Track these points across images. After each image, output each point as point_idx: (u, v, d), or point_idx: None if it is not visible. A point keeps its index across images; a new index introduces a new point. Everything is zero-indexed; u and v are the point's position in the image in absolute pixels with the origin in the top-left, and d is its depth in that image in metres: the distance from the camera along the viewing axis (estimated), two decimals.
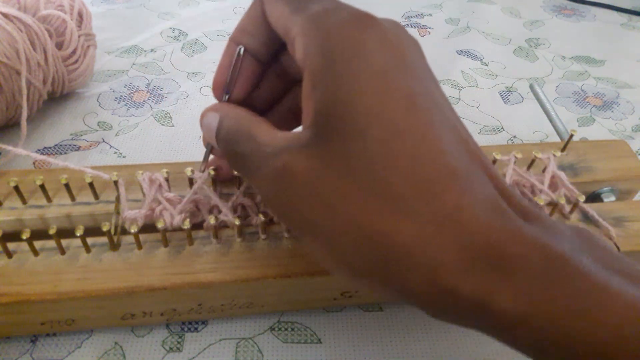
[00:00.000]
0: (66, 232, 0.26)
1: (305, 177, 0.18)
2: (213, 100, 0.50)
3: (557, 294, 0.16)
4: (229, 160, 0.23)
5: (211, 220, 0.26)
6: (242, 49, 0.23)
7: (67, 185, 0.27)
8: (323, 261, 0.19)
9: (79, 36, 0.42)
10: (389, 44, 0.19)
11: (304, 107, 0.19)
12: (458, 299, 0.16)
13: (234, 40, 0.24)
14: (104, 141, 0.41)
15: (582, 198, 0.28)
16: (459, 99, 0.49)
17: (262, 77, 0.25)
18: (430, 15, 0.64)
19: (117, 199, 0.28)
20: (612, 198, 0.32)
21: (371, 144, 0.17)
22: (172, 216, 0.26)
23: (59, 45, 0.41)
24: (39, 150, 0.40)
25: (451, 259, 0.16)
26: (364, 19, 0.19)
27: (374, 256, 0.17)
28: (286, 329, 0.29)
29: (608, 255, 0.18)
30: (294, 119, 0.27)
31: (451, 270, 0.16)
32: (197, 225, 0.26)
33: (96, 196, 0.28)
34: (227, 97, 0.25)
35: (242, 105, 0.24)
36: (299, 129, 0.20)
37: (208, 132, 0.24)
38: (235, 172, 0.27)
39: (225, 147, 0.22)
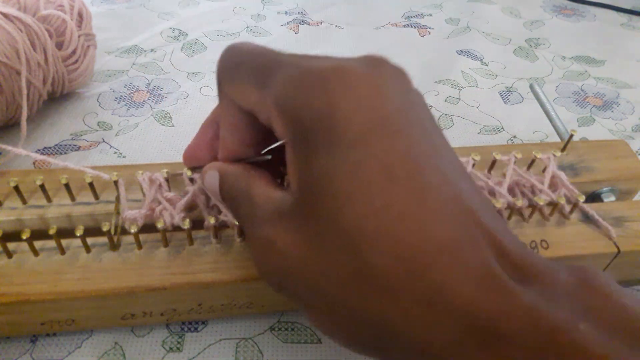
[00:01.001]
0: (66, 232, 0.26)
1: (288, 252, 0.18)
2: (213, 100, 0.50)
3: None
4: (234, 217, 0.24)
5: (211, 220, 0.26)
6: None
7: (67, 185, 0.27)
8: (319, 329, 0.19)
9: (79, 36, 0.42)
10: (366, 98, 0.17)
11: (288, 170, 0.19)
12: None
13: (206, 124, 0.25)
14: (104, 141, 0.41)
15: (582, 198, 0.28)
16: (459, 99, 0.49)
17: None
18: (430, 15, 0.64)
19: (117, 199, 0.28)
20: (612, 198, 0.32)
21: (348, 225, 0.16)
22: (172, 216, 0.26)
23: (59, 45, 0.41)
24: (39, 150, 0.39)
25: (440, 339, 0.16)
26: (331, 77, 0.17)
27: (365, 333, 0.17)
28: (286, 329, 0.29)
29: (610, 309, 0.16)
30: None
31: (440, 351, 0.16)
32: (197, 225, 0.26)
33: (96, 196, 0.28)
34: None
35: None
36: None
37: (212, 193, 0.24)
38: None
39: (229, 207, 0.23)
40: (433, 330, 0.16)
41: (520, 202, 0.28)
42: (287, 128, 0.18)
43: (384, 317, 0.16)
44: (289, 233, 0.18)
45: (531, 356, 0.15)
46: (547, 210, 0.29)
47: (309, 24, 0.60)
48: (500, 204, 0.27)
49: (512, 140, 0.44)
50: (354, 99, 0.17)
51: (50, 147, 0.40)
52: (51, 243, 0.26)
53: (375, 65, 0.18)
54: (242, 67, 0.20)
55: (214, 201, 0.26)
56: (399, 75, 0.18)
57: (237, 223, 0.25)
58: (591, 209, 0.29)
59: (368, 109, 0.17)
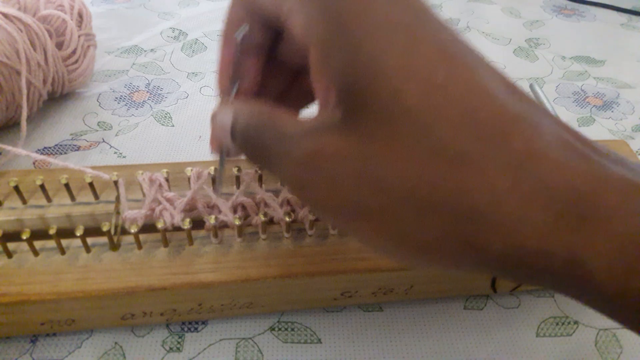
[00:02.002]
0: (66, 232, 0.26)
1: (346, 156, 0.16)
2: (213, 100, 0.49)
3: None
4: (249, 156, 0.21)
5: (211, 220, 0.26)
6: (242, 34, 0.21)
7: (67, 185, 0.27)
8: (379, 246, 0.17)
9: (79, 36, 0.42)
10: None
11: (316, 86, 0.18)
12: (548, 261, 0.14)
13: (226, 35, 0.22)
14: (104, 141, 0.41)
15: None
16: None
17: (264, 71, 0.23)
18: None
19: (117, 199, 0.28)
20: None
21: (413, 103, 0.15)
22: (172, 216, 0.26)
23: (59, 45, 0.41)
24: (39, 150, 0.39)
25: (535, 215, 0.14)
26: None
27: (443, 224, 0.15)
28: (286, 329, 0.29)
29: None
30: (305, 105, 0.25)
31: (537, 229, 0.14)
32: (197, 225, 0.26)
33: (96, 196, 0.28)
34: (234, 92, 0.23)
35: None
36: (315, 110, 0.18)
37: (221, 131, 0.21)
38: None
39: (244, 142, 0.20)
40: (525, 206, 0.14)
41: None
42: (313, 23, 0.17)
43: (467, 200, 0.14)
44: (342, 138, 0.16)
45: (633, 231, 0.13)
46: None
47: None
48: None
49: None
50: None
51: (50, 147, 0.40)
52: (51, 243, 0.26)
53: None
54: None
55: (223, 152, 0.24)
56: None
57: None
58: None
59: (405, 1, 0.16)
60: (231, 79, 0.22)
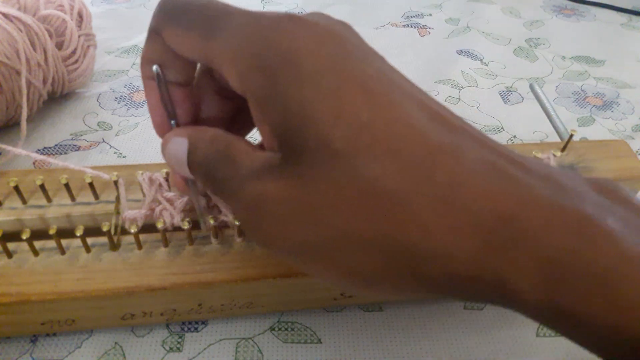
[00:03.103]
0: (66, 232, 0.26)
1: (286, 198, 0.17)
2: None
3: (574, 276, 0.14)
4: (207, 186, 0.21)
5: (211, 220, 0.26)
6: (158, 68, 0.20)
7: (67, 185, 0.27)
8: (327, 278, 0.18)
9: (79, 36, 0.42)
10: (323, 37, 0.17)
11: (260, 131, 0.18)
12: (478, 285, 0.15)
13: (148, 75, 0.21)
14: (104, 141, 0.41)
15: None
16: (459, 99, 0.49)
17: (202, 99, 0.23)
18: (430, 15, 0.64)
19: (117, 199, 0.28)
20: None
21: (341, 146, 0.16)
22: (172, 216, 0.26)
23: (59, 45, 0.41)
24: (39, 150, 0.39)
25: (463, 244, 0.15)
26: (286, 21, 0.17)
27: (382, 257, 0.16)
28: (286, 329, 0.29)
29: (636, 212, 0.15)
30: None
31: (466, 256, 0.15)
32: (197, 225, 0.26)
33: (96, 196, 0.28)
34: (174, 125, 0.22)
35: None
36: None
37: (176, 162, 0.21)
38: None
39: (203, 174, 0.20)
40: (454, 235, 0.15)
41: None
42: (246, 77, 0.17)
43: (403, 236, 0.15)
44: (282, 180, 0.17)
45: (561, 251, 0.14)
46: None
47: None
48: None
49: (512, 140, 0.44)
50: (312, 38, 0.17)
51: (50, 147, 0.40)
52: (51, 243, 0.26)
53: (322, 15, 0.18)
54: (187, 15, 0.19)
55: (213, 201, 0.26)
56: (343, 22, 0.19)
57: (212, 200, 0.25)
58: None
59: (330, 43, 0.17)
60: (167, 115, 0.22)
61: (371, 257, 0.16)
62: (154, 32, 0.20)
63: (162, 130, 0.22)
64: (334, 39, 0.17)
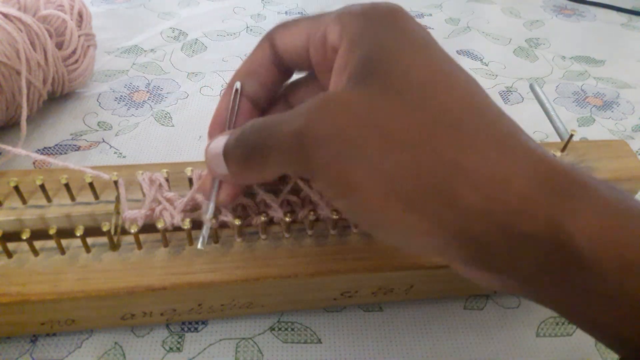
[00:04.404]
0: (66, 232, 0.26)
1: (353, 105, 0.17)
2: (213, 100, 0.50)
3: (629, 222, 0.15)
4: (244, 159, 0.21)
5: (212, 220, 0.26)
6: (240, 85, 0.24)
7: (67, 185, 0.27)
8: (370, 194, 0.17)
9: (79, 36, 0.42)
10: (419, 25, 0.20)
11: (335, 76, 0.20)
12: (529, 223, 0.15)
13: (233, 83, 0.24)
14: (104, 141, 0.41)
15: None
16: None
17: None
18: (430, 15, 0.64)
19: (117, 199, 0.28)
20: None
21: (420, 79, 0.17)
22: (172, 216, 0.26)
23: (59, 45, 0.41)
24: (39, 150, 0.39)
25: (519, 179, 0.15)
26: (394, 5, 0.20)
27: (434, 181, 0.16)
28: (286, 329, 0.29)
29: None
30: None
31: (521, 190, 0.15)
32: (197, 225, 0.26)
33: (96, 196, 0.28)
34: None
35: None
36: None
37: (213, 156, 0.22)
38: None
39: (240, 147, 0.20)
40: (511, 170, 0.16)
41: None
42: (347, 25, 0.20)
43: (458, 157, 0.16)
44: (350, 93, 0.18)
45: (611, 208, 0.15)
46: None
47: None
48: None
49: None
50: (412, 22, 0.20)
51: (50, 147, 0.40)
52: (51, 243, 0.26)
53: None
54: (299, 20, 0.23)
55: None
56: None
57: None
58: None
59: (424, 31, 0.20)
60: (223, 124, 0.25)
61: (418, 173, 0.16)
62: (265, 39, 0.24)
63: (215, 130, 0.25)
64: (426, 32, 0.20)
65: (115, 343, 0.28)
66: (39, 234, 0.26)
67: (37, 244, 0.26)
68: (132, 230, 0.25)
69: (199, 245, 0.23)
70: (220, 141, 0.22)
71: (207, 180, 0.25)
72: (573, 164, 0.17)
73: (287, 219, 0.26)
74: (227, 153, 0.21)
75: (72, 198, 0.28)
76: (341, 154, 0.17)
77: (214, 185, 0.24)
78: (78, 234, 0.25)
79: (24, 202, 0.28)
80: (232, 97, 0.24)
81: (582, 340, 0.29)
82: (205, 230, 0.24)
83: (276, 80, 0.25)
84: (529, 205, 0.15)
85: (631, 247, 0.15)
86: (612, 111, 0.49)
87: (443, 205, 0.16)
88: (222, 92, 0.25)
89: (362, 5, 0.20)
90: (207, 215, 0.24)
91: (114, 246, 0.26)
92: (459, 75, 0.19)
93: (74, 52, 0.42)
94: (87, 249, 0.26)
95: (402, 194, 0.16)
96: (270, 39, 0.24)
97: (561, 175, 0.16)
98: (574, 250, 0.15)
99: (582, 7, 0.68)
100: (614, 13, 0.67)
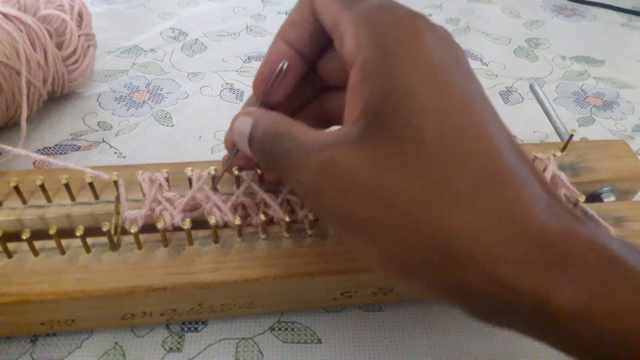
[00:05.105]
0: (66, 232, 0.26)
1: (355, 171, 0.17)
2: (213, 100, 0.49)
3: (616, 291, 0.15)
4: (264, 161, 0.22)
5: (211, 220, 0.26)
6: (286, 64, 0.24)
7: (67, 185, 0.27)
8: (367, 259, 0.19)
9: (79, 36, 0.42)
10: (444, 42, 0.19)
11: (349, 102, 0.19)
12: (516, 294, 0.16)
13: (281, 35, 0.24)
14: (104, 141, 0.41)
15: (582, 198, 0.28)
16: None
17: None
18: (430, 15, 0.64)
19: (117, 199, 0.28)
20: (612, 198, 0.32)
21: (428, 140, 0.17)
22: (172, 216, 0.26)
23: (59, 45, 0.41)
24: (39, 150, 0.39)
25: (511, 253, 0.16)
26: (419, 17, 0.19)
27: (429, 253, 0.16)
28: (286, 329, 0.29)
29: None
30: (317, 125, 0.27)
31: (511, 264, 0.16)
32: (197, 225, 0.26)
33: (96, 196, 0.28)
34: (260, 105, 0.25)
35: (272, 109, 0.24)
36: (334, 128, 0.20)
37: (240, 136, 0.23)
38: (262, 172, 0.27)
39: (260, 148, 0.22)
40: (505, 244, 0.16)
41: None
42: (362, 44, 0.19)
43: (454, 232, 0.16)
44: (360, 153, 0.17)
45: (597, 276, 0.15)
46: None
47: None
48: None
49: None
50: (435, 38, 0.19)
51: (50, 147, 0.40)
52: (51, 243, 0.26)
53: (445, 29, 0.20)
54: None
55: (265, 177, 0.27)
56: (458, 44, 0.21)
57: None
58: (591, 209, 0.29)
59: (447, 49, 0.19)
60: (264, 88, 0.25)
61: (417, 246, 0.17)
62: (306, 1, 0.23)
63: (258, 88, 0.25)
64: (450, 49, 0.19)
65: (115, 343, 0.28)
66: (39, 234, 0.26)
67: (37, 244, 0.26)
68: (132, 230, 0.25)
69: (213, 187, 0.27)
70: (247, 122, 0.23)
71: (229, 140, 0.26)
72: (570, 226, 0.17)
73: (287, 219, 0.26)
74: (252, 146, 0.23)
75: (72, 198, 0.28)
76: (342, 217, 0.18)
77: (234, 150, 0.26)
78: (78, 234, 0.25)
79: (24, 202, 0.28)
80: (276, 74, 0.24)
81: None
82: (219, 172, 0.28)
83: (318, 33, 0.24)
84: (517, 282, 0.16)
85: (610, 317, 0.15)
86: (612, 111, 0.49)
87: (437, 278, 0.17)
88: (271, 44, 0.25)
89: (383, 17, 0.19)
90: (225, 163, 0.27)
91: (114, 246, 0.26)
92: (471, 122, 0.17)
93: (74, 52, 0.42)
94: (87, 249, 0.26)
95: (399, 264, 0.17)
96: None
97: (551, 249, 0.16)
98: (555, 319, 0.16)
99: (582, 7, 0.68)
100: (614, 13, 0.67)
